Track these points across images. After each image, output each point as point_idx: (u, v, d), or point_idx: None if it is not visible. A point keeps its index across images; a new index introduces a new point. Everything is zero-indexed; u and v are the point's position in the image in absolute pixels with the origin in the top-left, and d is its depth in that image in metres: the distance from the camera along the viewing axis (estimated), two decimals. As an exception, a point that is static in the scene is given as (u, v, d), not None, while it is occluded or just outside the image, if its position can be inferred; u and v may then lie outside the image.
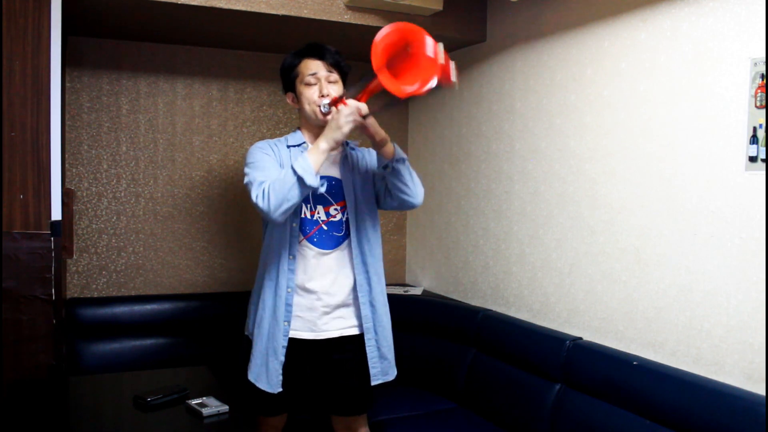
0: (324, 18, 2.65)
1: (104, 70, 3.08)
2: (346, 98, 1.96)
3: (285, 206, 1.91)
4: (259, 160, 2.06)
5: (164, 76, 3.18)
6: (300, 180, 1.89)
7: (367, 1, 2.64)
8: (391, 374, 2.23)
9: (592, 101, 2.42)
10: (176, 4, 2.46)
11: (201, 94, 3.25)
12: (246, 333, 2.24)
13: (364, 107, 1.94)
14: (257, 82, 3.34)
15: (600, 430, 2.14)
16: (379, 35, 1.83)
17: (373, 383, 2.17)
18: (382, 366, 2.19)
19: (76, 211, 3.04)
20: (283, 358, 2.10)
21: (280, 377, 2.10)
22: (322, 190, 2.10)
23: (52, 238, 2.19)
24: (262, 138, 3.33)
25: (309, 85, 2.08)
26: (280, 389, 2.11)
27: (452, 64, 1.85)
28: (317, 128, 2.10)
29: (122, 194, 3.14)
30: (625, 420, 2.08)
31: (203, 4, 2.48)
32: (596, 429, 2.16)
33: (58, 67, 2.20)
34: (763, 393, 1.79)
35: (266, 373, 2.11)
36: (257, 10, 2.56)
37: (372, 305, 2.17)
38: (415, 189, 2.11)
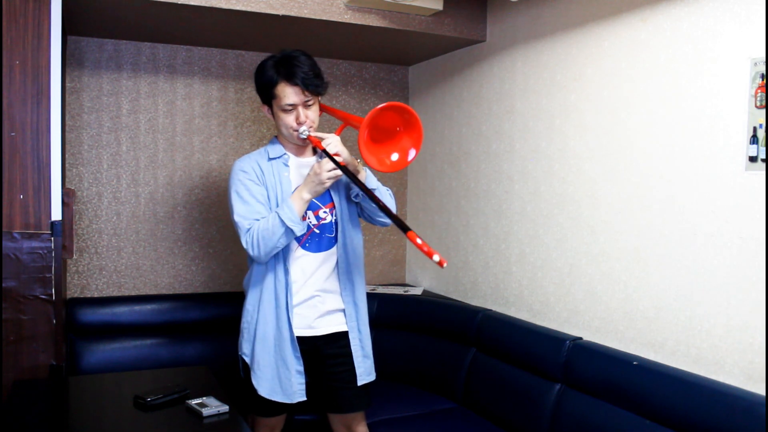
0: (324, 18, 2.64)
1: (104, 70, 3.08)
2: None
3: (273, 252, 2.06)
4: (243, 192, 2.10)
5: (164, 76, 3.18)
6: (289, 230, 2.02)
7: (367, 1, 2.63)
8: (374, 374, 2.26)
9: (592, 101, 2.42)
10: (176, 4, 2.46)
11: (201, 94, 3.25)
12: (240, 353, 2.22)
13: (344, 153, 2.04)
14: (257, 82, 3.33)
15: (600, 430, 2.14)
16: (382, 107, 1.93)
17: (359, 383, 2.19)
18: (365, 366, 2.22)
19: (76, 211, 3.04)
20: (301, 368, 2.13)
21: (301, 386, 2.13)
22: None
23: (52, 238, 2.19)
24: (261, 138, 3.34)
25: (286, 111, 2.10)
26: (304, 398, 2.13)
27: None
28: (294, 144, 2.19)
29: (122, 194, 3.14)
30: (625, 420, 2.08)
31: (203, 4, 2.48)
32: (596, 429, 2.16)
33: (58, 67, 2.20)
34: (763, 393, 1.79)
35: (280, 385, 2.12)
36: (257, 10, 2.56)
37: (355, 304, 2.22)
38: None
